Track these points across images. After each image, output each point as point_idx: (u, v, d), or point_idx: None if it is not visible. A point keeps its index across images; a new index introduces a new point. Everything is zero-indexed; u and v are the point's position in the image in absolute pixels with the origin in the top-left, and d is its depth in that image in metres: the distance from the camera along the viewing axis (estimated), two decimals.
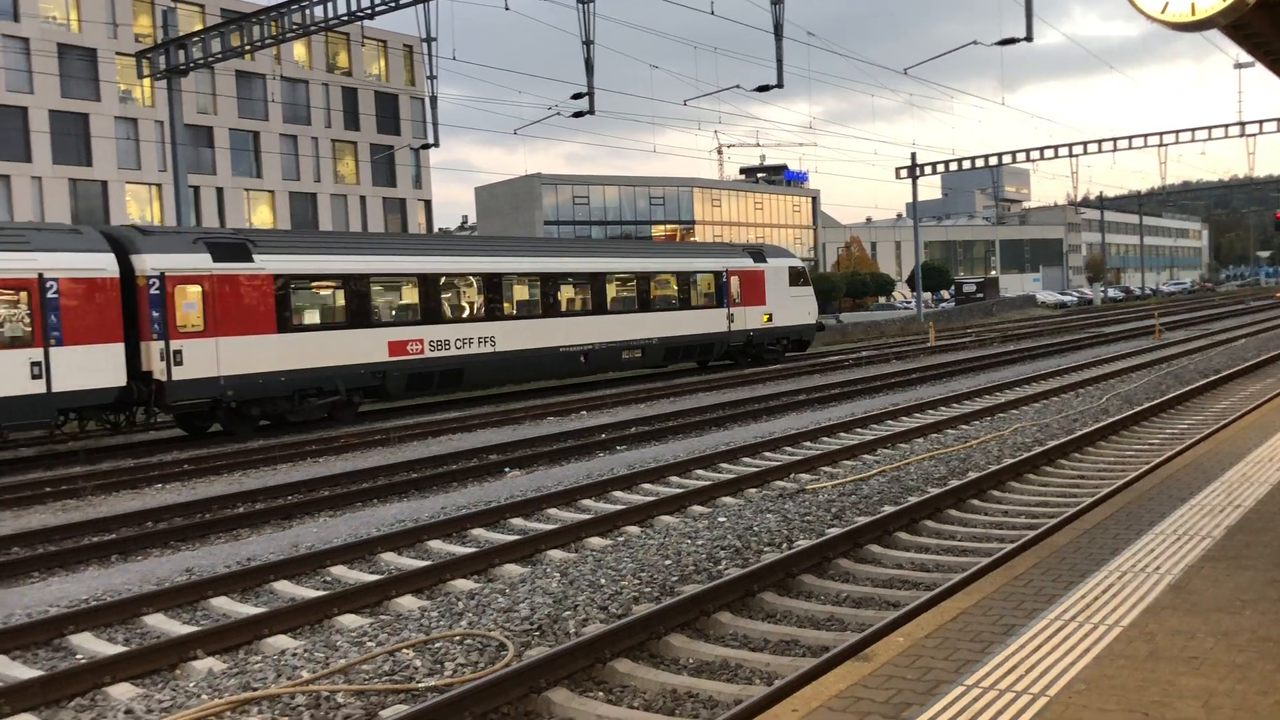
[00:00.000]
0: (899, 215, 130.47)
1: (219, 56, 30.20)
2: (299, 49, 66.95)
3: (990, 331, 49.50)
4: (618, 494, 13.27)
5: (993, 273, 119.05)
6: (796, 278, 35.92)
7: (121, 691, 6.92)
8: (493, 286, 26.08)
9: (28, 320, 18.09)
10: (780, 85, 27.33)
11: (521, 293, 27.25)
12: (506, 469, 15.73)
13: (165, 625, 8.54)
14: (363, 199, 72.12)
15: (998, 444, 15.25)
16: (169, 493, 15.15)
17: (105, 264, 19.16)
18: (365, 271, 23.32)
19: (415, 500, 13.65)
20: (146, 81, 37.10)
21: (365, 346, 23.05)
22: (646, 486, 13.67)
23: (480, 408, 25.06)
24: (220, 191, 64.47)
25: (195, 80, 51.96)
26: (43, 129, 57.13)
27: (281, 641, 7.82)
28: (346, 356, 22.67)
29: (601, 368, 29.20)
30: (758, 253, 35.40)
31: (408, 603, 8.78)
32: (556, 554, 10.27)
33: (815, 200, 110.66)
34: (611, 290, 29.65)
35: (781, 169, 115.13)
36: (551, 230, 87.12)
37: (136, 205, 61.26)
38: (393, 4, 26.23)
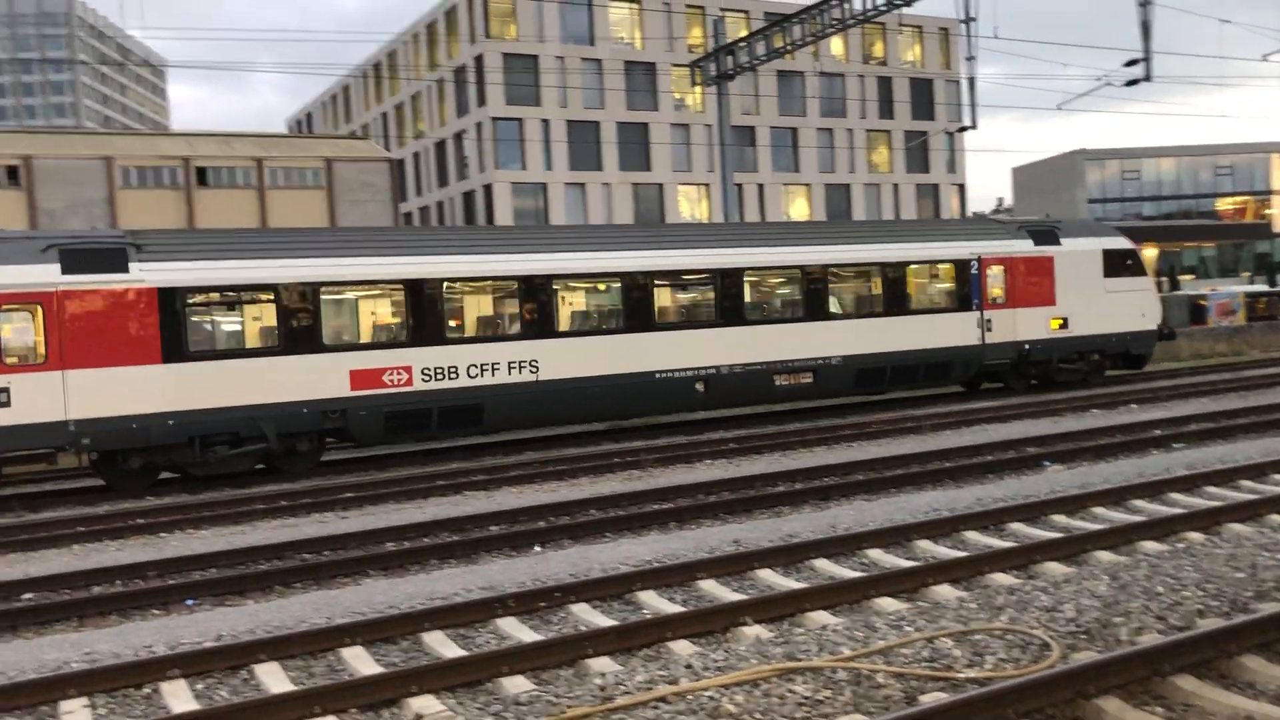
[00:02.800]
0: None
1: (763, 59, 31.86)
2: (836, 43, 68.64)
3: None
4: (1175, 496, 12.11)
5: None
6: (1118, 265, 25.71)
7: (682, 648, 7.59)
8: (534, 292, 19.51)
9: None
10: None
11: (584, 299, 20.78)
12: (1045, 462, 14.99)
13: (717, 590, 9.22)
14: (895, 187, 72.35)
15: None
16: (717, 469, 16.32)
17: None
18: (311, 279, 17.84)
19: (949, 489, 13.46)
20: (697, 89, 40.12)
21: (311, 378, 17.71)
22: (1211, 490, 12.32)
23: (1012, 399, 24.09)
24: (761, 188, 68.04)
25: (740, 83, 55.28)
26: (611, 139, 64.02)
27: (822, 617, 8.12)
28: (278, 392, 17.46)
29: (734, 398, 21.62)
30: (1045, 232, 25.35)
31: (944, 591, 8.71)
32: (1104, 555, 9.61)
33: None
34: (752, 290, 21.89)
35: None
36: (1096, 210, 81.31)
37: (687, 205, 66.57)
38: None
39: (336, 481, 16.70)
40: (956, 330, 23.83)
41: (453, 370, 18.83)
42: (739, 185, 64.94)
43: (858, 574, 9.33)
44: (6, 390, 15.76)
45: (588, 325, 20.55)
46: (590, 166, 63.69)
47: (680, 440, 19.36)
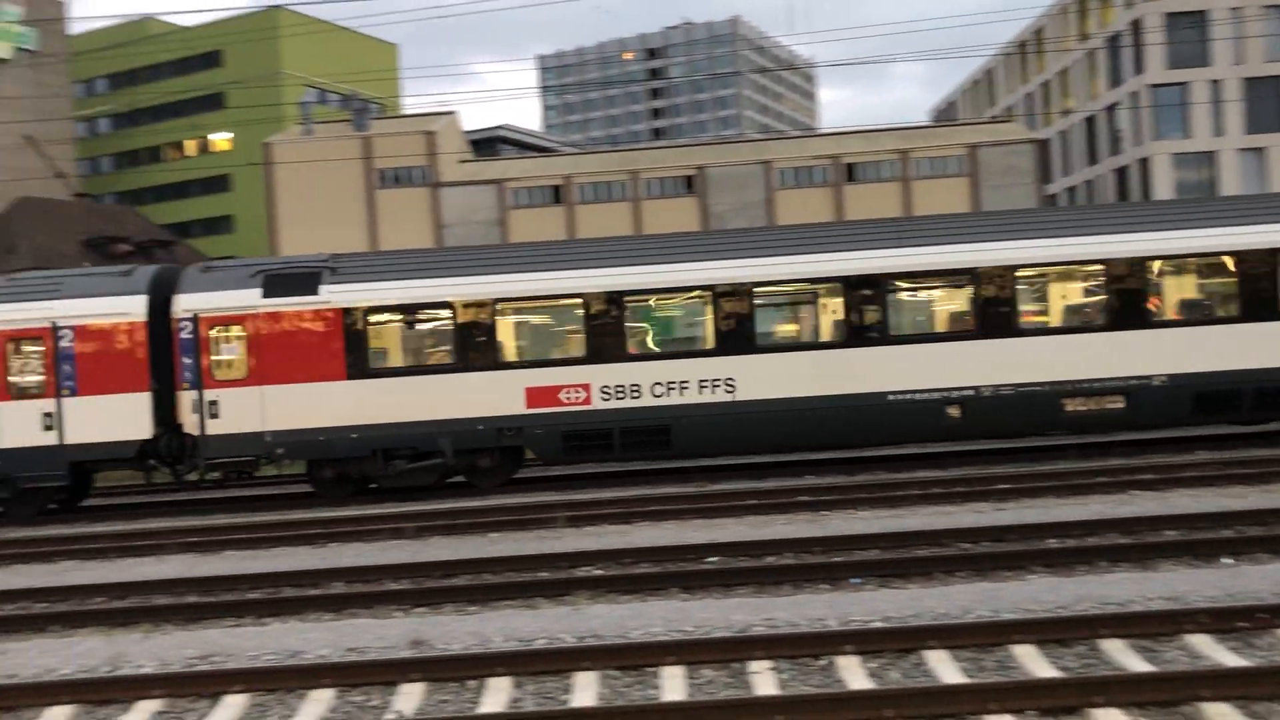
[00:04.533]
0: None
1: None
2: None
3: None
4: None
5: None
6: None
7: None
8: (728, 302, 17.69)
9: (41, 370, 18.03)
10: None
11: (791, 308, 18.28)
12: None
13: None
14: None
15: None
16: None
17: (129, 308, 18.06)
18: (486, 296, 17.84)
19: None
20: None
21: (486, 395, 17.70)
22: None
23: None
24: None
25: None
26: None
27: None
28: (454, 408, 17.66)
29: (1001, 426, 17.89)
30: None
31: None
32: None
33: None
34: (1029, 292, 17.92)
35: None
36: None
37: None
38: None
39: (989, 472, 16.32)
40: None
41: (635, 389, 17.79)
42: None
43: None
44: (216, 403, 17.73)
45: (797, 338, 18.25)
46: (1273, 128, 55.85)
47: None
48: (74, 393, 17.89)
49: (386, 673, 7.67)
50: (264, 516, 16.57)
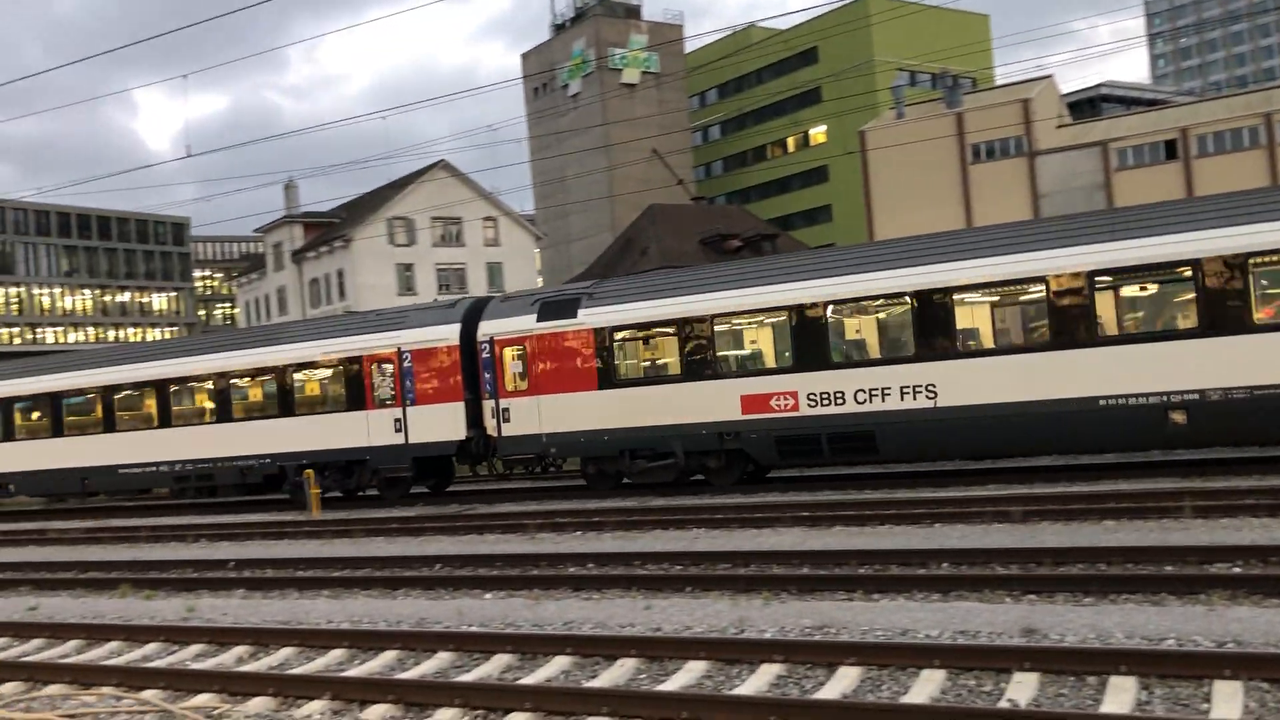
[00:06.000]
0: None
1: None
2: None
3: None
4: None
5: None
6: None
7: None
8: (927, 309, 17.46)
9: (392, 385, 22.60)
10: None
11: (990, 312, 17.60)
12: None
13: None
14: None
15: None
16: None
17: (448, 335, 22.13)
18: (703, 313, 19.43)
19: None
20: None
21: (707, 402, 19.25)
22: None
23: None
24: None
25: None
26: None
27: None
28: (680, 414, 19.48)
29: (1237, 433, 15.89)
30: None
31: None
32: None
33: None
34: (1266, 283, 15.18)
35: None
36: None
37: None
38: None
39: None
40: None
41: (839, 396, 18.21)
42: None
43: None
44: (508, 410, 21.35)
45: (996, 342, 17.65)
46: None
47: None
48: (413, 403, 22.52)
49: (998, 659, 7.46)
50: (870, 494, 17.06)
